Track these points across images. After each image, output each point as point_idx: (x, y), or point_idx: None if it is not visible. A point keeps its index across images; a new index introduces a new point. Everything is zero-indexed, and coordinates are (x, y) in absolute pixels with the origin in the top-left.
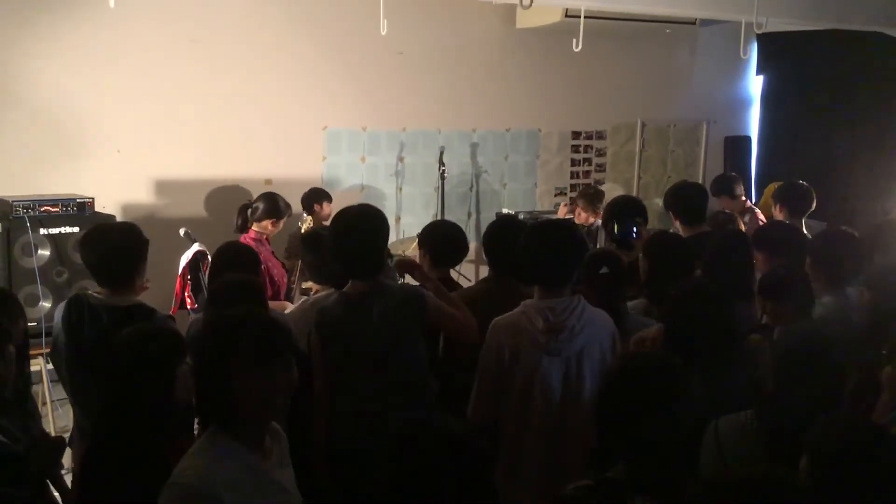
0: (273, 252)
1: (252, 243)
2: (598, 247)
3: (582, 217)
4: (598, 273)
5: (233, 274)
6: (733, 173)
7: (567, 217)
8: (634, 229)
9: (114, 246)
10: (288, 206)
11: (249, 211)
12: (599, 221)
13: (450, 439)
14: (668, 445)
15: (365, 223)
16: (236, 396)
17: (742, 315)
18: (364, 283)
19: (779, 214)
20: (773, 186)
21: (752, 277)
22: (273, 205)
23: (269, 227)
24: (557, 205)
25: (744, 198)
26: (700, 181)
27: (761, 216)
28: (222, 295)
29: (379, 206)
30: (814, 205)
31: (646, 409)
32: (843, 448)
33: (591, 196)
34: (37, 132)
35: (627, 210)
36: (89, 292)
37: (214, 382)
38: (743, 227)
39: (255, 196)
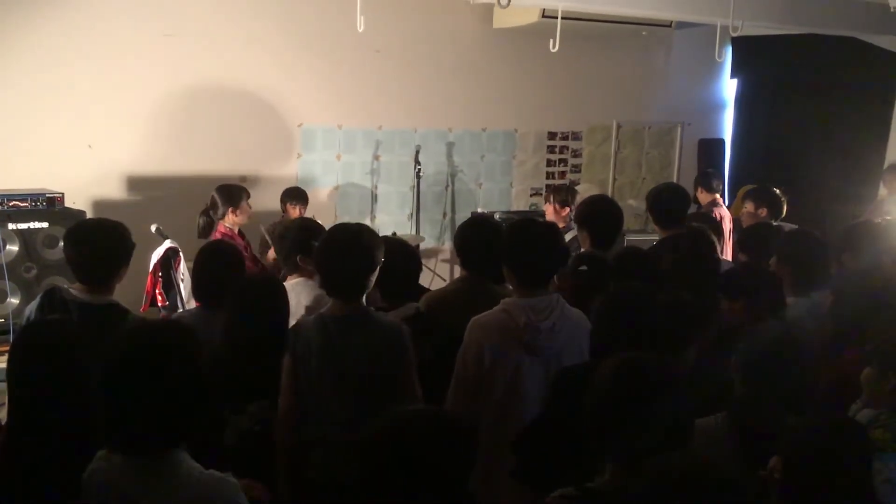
0: (246, 247)
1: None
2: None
3: (554, 215)
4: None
5: (257, 273)
6: (710, 169)
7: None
8: None
9: (99, 245)
10: (241, 189)
11: (211, 211)
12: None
13: (439, 430)
14: (659, 448)
15: (352, 242)
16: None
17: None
18: (344, 305)
19: (762, 217)
20: (745, 188)
21: (714, 275)
22: (226, 193)
23: (232, 216)
24: (534, 205)
25: (714, 194)
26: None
27: (724, 213)
28: (250, 294)
29: (354, 205)
30: (785, 209)
31: (640, 413)
32: (817, 447)
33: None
34: (7, 126)
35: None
36: (65, 287)
37: (197, 390)
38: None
39: None
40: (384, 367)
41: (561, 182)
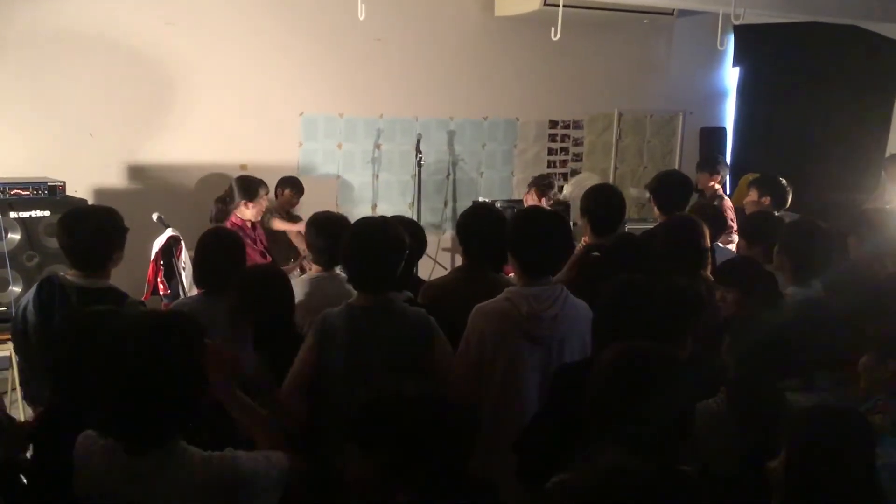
0: (255, 240)
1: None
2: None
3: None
4: None
5: (259, 264)
6: (720, 156)
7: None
8: None
9: (91, 230)
10: (260, 182)
11: (228, 199)
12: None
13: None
14: (661, 436)
15: (381, 235)
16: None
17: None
18: (371, 297)
19: (766, 206)
20: (748, 177)
21: (702, 261)
22: (244, 184)
23: (244, 208)
24: None
25: (715, 184)
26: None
27: (729, 205)
28: (253, 284)
29: (355, 194)
30: (790, 199)
31: (642, 400)
32: (820, 436)
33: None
34: (8, 115)
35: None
36: (61, 274)
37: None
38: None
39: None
40: (411, 358)
41: (562, 171)
